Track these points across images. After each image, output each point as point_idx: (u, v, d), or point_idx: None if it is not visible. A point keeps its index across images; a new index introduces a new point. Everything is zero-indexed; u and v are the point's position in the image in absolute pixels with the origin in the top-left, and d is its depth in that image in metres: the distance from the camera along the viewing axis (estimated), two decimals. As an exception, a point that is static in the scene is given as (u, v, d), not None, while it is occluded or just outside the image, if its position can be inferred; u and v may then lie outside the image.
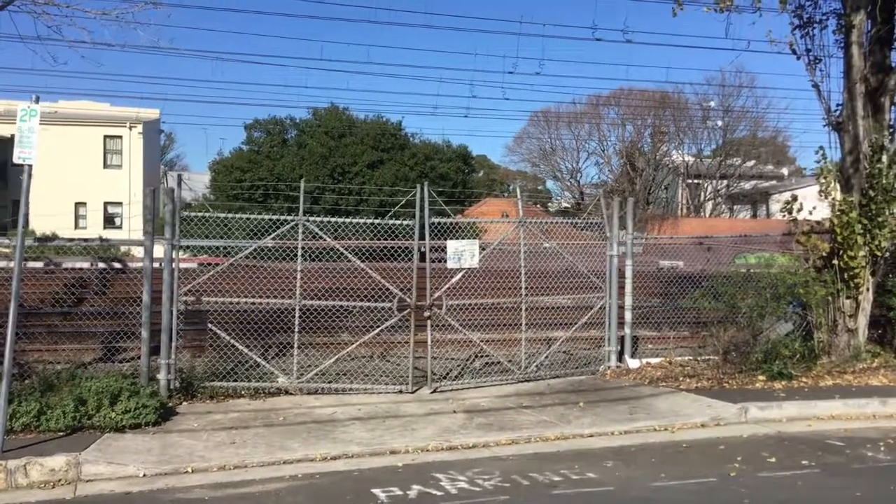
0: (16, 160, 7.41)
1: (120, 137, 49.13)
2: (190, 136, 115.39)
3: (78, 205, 47.26)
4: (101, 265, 15.64)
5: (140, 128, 49.16)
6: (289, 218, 10.67)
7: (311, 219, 10.74)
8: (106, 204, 47.62)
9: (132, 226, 44.37)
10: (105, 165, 48.97)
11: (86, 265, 18.44)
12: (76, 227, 46.04)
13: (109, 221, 47.44)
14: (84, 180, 46.20)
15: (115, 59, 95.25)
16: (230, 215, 10.56)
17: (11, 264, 19.37)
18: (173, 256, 10.18)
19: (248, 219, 10.73)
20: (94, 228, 44.53)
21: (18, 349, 10.81)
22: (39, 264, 18.94)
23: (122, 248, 20.18)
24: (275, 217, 10.85)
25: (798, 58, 12.27)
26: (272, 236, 10.70)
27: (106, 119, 49.12)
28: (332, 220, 11.12)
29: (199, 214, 10.81)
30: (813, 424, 9.55)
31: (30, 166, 7.50)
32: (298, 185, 11.26)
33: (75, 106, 48.06)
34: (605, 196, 13.12)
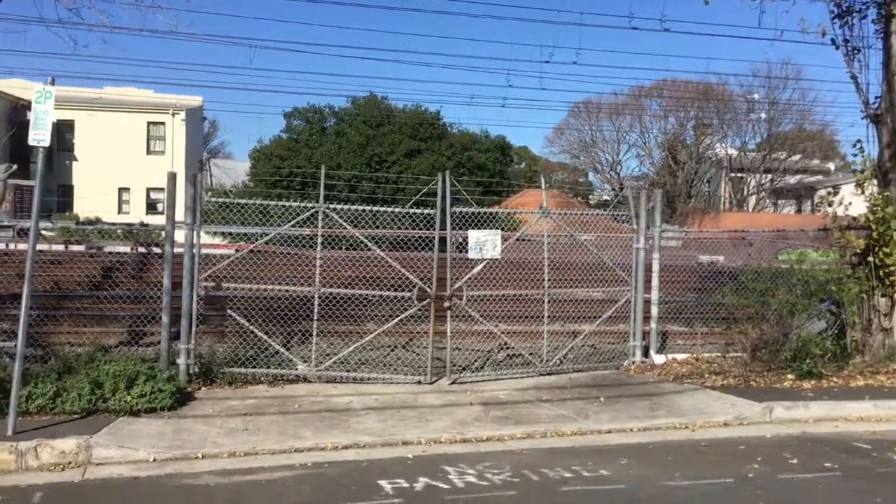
0: (31, 142, 7.41)
1: (163, 124, 49.63)
2: (234, 124, 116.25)
3: (122, 190, 47.86)
4: (141, 249, 15.79)
5: (182, 114, 49.60)
6: (309, 205, 10.61)
7: (332, 206, 10.66)
8: (149, 190, 48.17)
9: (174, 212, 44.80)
10: (148, 151, 49.50)
11: (126, 249, 18.66)
12: (119, 211, 46.69)
13: (152, 207, 47.98)
14: (127, 166, 46.75)
15: (157, 47, 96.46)
16: (248, 202, 10.54)
17: (54, 247, 19.70)
18: (194, 241, 10.19)
19: (264, 205, 10.68)
20: (136, 213, 45.10)
21: (45, 332, 10.96)
22: (81, 247, 19.23)
23: (162, 234, 20.35)
24: (294, 204, 10.80)
25: (836, 48, 11.90)
26: (291, 223, 10.65)
27: (149, 105, 49.67)
28: (353, 207, 11.04)
29: (219, 200, 10.82)
30: (840, 426, 9.27)
31: (44, 149, 7.48)
32: (336, 174, 11.19)
33: (120, 92, 48.72)
34: (636, 190, 12.88)
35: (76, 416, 8.36)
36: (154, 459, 7.48)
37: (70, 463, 7.39)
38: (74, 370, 9.27)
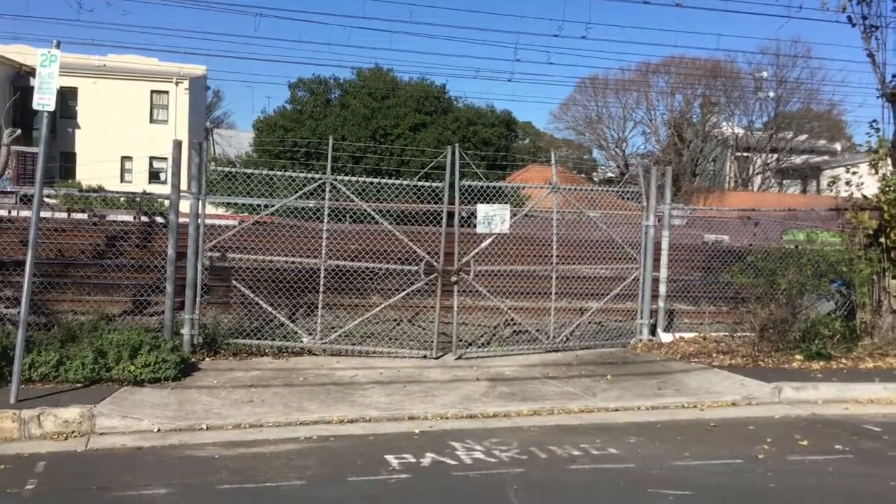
0: (35, 106, 7.27)
1: (166, 93, 49.29)
2: (238, 94, 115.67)
3: (124, 159, 47.62)
4: (144, 218, 15.69)
5: (186, 83, 49.26)
6: (316, 176, 10.47)
7: (339, 178, 10.52)
8: (151, 159, 47.89)
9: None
10: (151, 120, 49.19)
11: (128, 218, 18.57)
12: (122, 180, 46.52)
13: (154, 176, 47.77)
14: (131, 135, 46.47)
15: (162, 14, 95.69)
16: (254, 171, 10.39)
17: (57, 214, 19.61)
18: (199, 211, 10.06)
19: (271, 175, 10.54)
20: (139, 182, 44.91)
21: (48, 299, 10.87)
22: (84, 216, 19.12)
23: (166, 203, 20.25)
24: (301, 175, 10.66)
25: (853, 25, 11.71)
26: (298, 195, 10.52)
27: (153, 74, 49.31)
28: (360, 179, 10.90)
29: (224, 169, 10.69)
30: (850, 408, 9.18)
31: (49, 114, 7.33)
32: (340, 145, 11.06)
33: (123, 59, 48.35)
34: (646, 167, 12.73)
35: (79, 384, 8.29)
36: (158, 430, 7.41)
37: (73, 432, 7.32)
38: (78, 339, 9.19)
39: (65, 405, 7.50)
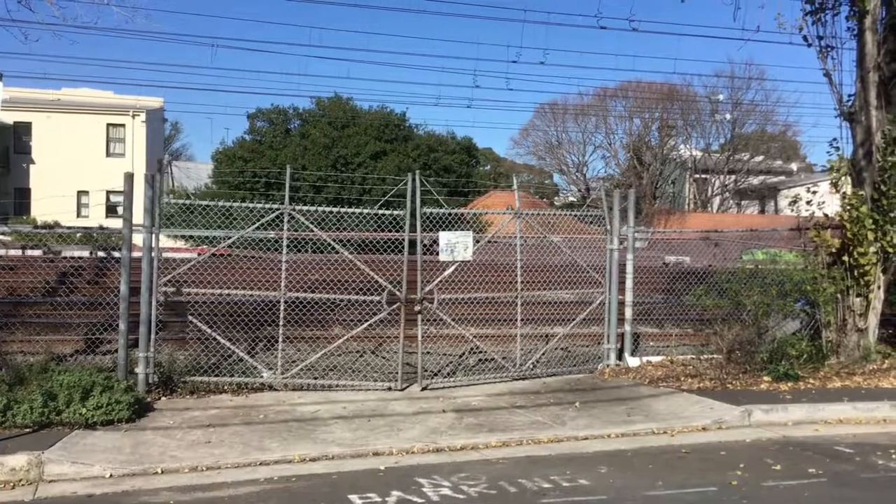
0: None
1: (123, 126, 48.68)
2: (197, 126, 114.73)
3: (80, 193, 46.83)
4: (101, 254, 15.29)
5: (143, 116, 48.70)
6: (273, 206, 10.22)
7: (297, 208, 10.28)
8: (108, 193, 47.14)
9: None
10: (108, 154, 48.49)
11: (85, 254, 18.11)
12: (78, 215, 45.69)
13: (112, 210, 46.90)
14: (87, 169, 45.70)
15: (116, 47, 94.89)
16: (210, 203, 10.11)
17: (10, 252, 19.04)
18: (153, 245, 9.75)
19: (227, 207, 10.27)
20: (96, 217, 44.14)
21: (-4, 340, 10.45)
22: (38, 252, 18.63)
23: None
24: (258, 205, 10.40)
25: (809, 45, 11.77)
26: (255, 226, 10.26)
27: (108, 107, 48.67)
28: (319, 209, 10.66)
29: (179, 202, 10.42)
30: (820, 429, 9.08)
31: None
32: (301, 175, 10.84)
33: (78, 93, 47.68)
34: (608, 190, 12.66)
35: (28, 430, 7.92)
36: (110, 475, 7.07)
37: (21, 480, 6.96)
38: (26, 381, 8.81)
39: (11, 452, 7.13)
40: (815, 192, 11.88)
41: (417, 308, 10.49)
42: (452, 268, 10.75)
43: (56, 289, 13.01)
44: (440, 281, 10.66)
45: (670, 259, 23.80)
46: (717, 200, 62.20)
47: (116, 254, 13.66)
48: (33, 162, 46.97)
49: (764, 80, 60.79)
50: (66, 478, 7.02)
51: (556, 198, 72.24)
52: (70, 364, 10.12)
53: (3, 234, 21.96)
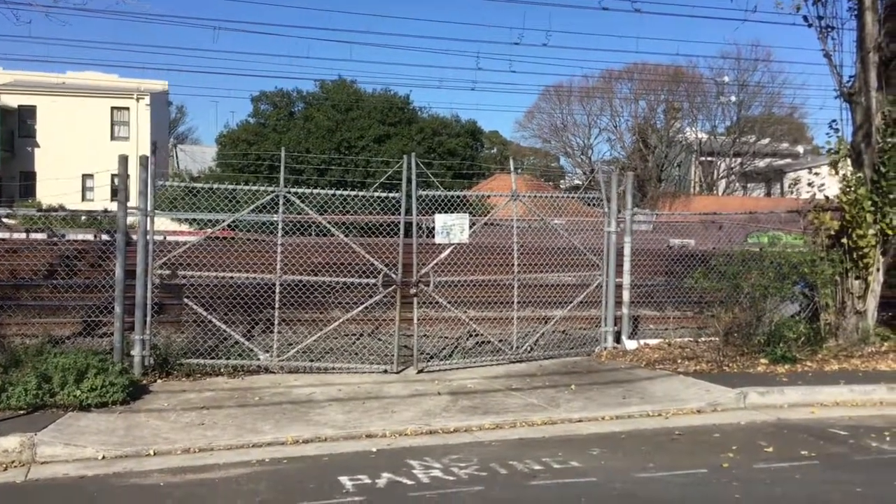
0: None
1: (127, 109, 48.60)
2: (202, 110, 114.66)
3: (85, 177, 46.84)
4: (105, 237, 15.32)
5: (147, 99, 48.61)
6: (269, 189, 10.19)
7: (293, 190, 10.24)
8: (113, 176, 46.97)
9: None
10: (112, 137, 48.41)
11: (90, 237, 18.14)
12: (84, 198, 45.68)
13: (116, 194, 47.12)
14: (91, 152, 45.64)
15: (121, 30, 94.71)
16: (207, 186, 10.09)
17: (14, 235, 19.03)
18: (147, 228, 9.74)
19: (228, 190, 10.23)
20: (101, 200, 44.21)
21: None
22: (43, 235, 18.65)
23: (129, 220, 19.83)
24: (255, 188, 10.37)
25: (809, 25, 11.66)
26: (250, 209, 10.24)
27: (113, 90, 48.62)
28: (315, 191, 10.63)
29: (179, 185, 10.37)
30: (816, 411, 9.06)
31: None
32: (304, 158, 10.83)
33: (82, 76, 47.71)
34: (606, 172, 12.59)
35: (22, 411, 7.95)
36: (102, 457, 7.09)
37: (13, 462, 6.98)
38: (22, 363, 8.86)
39: (4, 434, 7.16)
40: (817, 174, 11.79)
41: (413, 291, 10.47)
42: (448, 250, 10.72)
43: (57, 272, 13.03)
44: (436, 263, 10.64)
45: (675, 242, 23.70)
46: (722, 183, 61.95)
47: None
48: (38, 145, 47.00)
49: (770, 61, 60.29)
50: (58, 459, 7.05)
51: (562, 181, 72.07)
52: (66, 346, 10.14)
53: (9, 216, 21.98)
